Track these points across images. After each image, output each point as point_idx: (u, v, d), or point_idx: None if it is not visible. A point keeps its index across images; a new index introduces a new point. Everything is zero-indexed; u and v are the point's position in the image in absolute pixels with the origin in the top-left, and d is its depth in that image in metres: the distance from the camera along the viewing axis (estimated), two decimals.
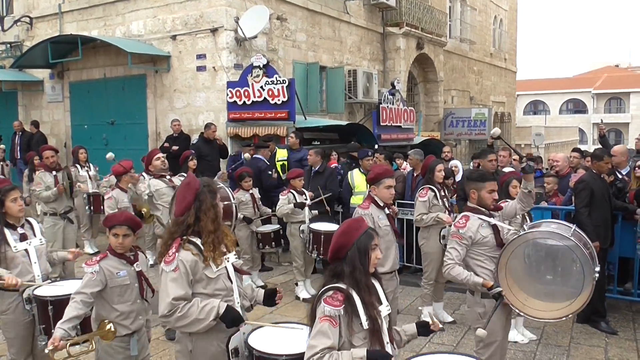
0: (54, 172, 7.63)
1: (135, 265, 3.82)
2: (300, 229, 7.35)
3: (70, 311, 3.53)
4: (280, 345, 3.14)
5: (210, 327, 3.16)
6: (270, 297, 3.54)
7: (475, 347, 4.45)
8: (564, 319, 4.22)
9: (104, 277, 3.68)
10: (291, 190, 7.47)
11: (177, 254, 3.17)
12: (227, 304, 3.21)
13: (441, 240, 6.33)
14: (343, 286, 2.86)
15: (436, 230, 6.42)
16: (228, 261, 3.36)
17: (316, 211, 7.56)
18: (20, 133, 13.68)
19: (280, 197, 7.50)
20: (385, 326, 2.94)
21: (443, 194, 6.57)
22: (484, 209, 4.30)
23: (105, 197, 7.16)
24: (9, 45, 15.10)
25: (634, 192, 6.82)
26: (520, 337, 6.08)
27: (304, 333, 3.15)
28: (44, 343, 4.00)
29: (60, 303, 3.94)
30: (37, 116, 14.82)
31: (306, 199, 7.53)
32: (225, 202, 6.03)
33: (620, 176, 7.21)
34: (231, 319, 3.18)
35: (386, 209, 4.98)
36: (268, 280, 8.29)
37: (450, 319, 6.76)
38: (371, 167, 7.57)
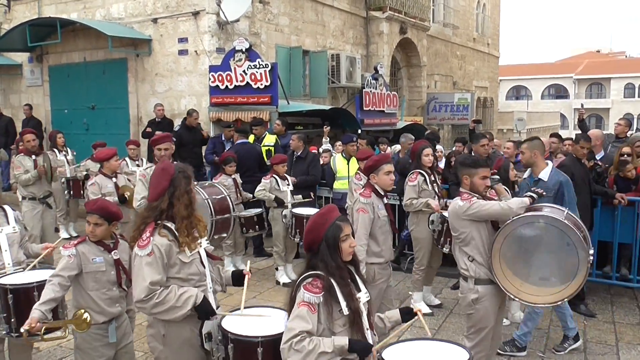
0: (34, 157, 7.53)
1: (113, 253, 3.78)
2: (283, 213, 7.34)
3: (48, 293, 3.51)
4: (255, 327, 3.13)
5: None
6: (239, 279, 3.54)
7: (465, 332, 4.49)
8: (559, 303, 4.25)
9: (79, 262, 3.65)
10: (274, 175, 7.45)
11: (151, 238, 3.15)
12: (204, 295, 3.21)
13: (430, 226, 6.30)
14: (322, 273, 2.88)
15: (425, 216, 6.36)
16: (201, 246, 3.36)
17: (300, 196, 7.53)
18: None
19: (262, 180, 7.48)
20: (365, 313, 2.96)
21: (433, 178, 6.48)
22: (476, 195, 4.29)
23: (88, 184, 7.07)
24: None
25: (613, 177, 6.91)
26: (506, 322, 6.08)
27: (279, 315, 3.19)
28: (4, 332, 3.96)
29: (20, 292, 3.91)
30: (16, 100, 14.62)
31: (288, 185, 7.52)
32: (226, 215, 5.98)
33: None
34: (205, 312, 3.20)
35: (384, 198, 4.87)
36: (253, 264, 8.27)
37: (437, 301, 6.79)
38: (357, 154, 7.55)
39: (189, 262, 3.24)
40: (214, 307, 3.30)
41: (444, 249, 6.26)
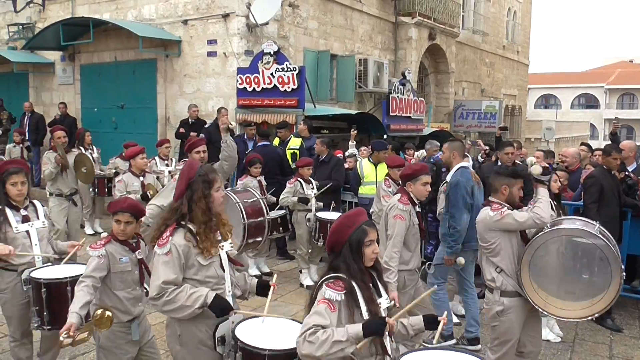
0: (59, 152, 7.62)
1: (137, 252, 3.82)
2: (307, 217, 7.33)
3: (83, 295, 3.48)
4: (267, 339, 3.09)
5: (198, 314, 3.16)
6: (264, 289, 3.52)
7: (489, 344, 4.46)
8: (590, 318, 4.19)
9: (108, 262, 3.68)
10: (298, 179, 7.44)
11: (170, 237, 3.18)
12: (216, 293, 3.20)
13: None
14: (344, 275, 2.85)
15: None
16: (222, 249, 3.36)
17: (321, 204, 7.51)
18: (30, 114, 13.73)
19: (287, 185, 7.48)
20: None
21: None
22: (508, 205, 4.24)
23: (115, 180, 7.17)
24: (21, 26, 15.11)
25: None
26: (552, 336, 5.96)
27: (296, 328, 3.13)
28: (36, 325, 4.04)
29: (54, 287, 3.98)
30: (48, 98, 14.88)
31: (313, 189, 7.51)
32: (259, 219, 5.96)
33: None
34: (219, 308, 3.17)
35: (417, 206, 4.84)
36: (273, 267, 8.30)
37: (463, 311, 6.51)
38: (388, 160, 7.47)
39: (207, 265, 3.25)
40: (237, 311, 3.29)
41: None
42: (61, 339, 3.24)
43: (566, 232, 4.09)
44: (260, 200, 6.30)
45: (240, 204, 6.00)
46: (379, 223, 6.64)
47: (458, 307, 6.69)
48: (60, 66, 14.70)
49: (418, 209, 4.86)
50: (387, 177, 6.78)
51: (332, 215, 7.16)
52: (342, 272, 2.86)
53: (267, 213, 6.46)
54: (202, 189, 3.27)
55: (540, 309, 4.14)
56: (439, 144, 9.35)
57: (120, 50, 13.27)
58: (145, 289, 3.84)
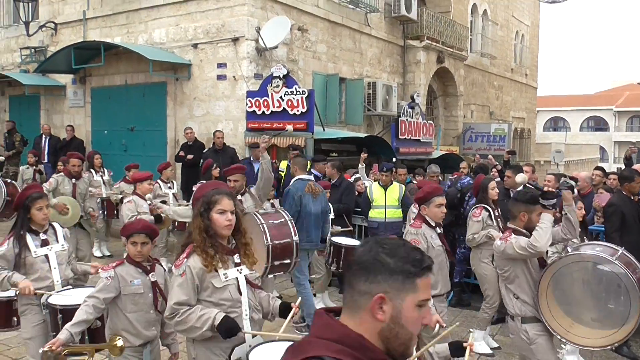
0: (74, 180, 7.65)
1: (150, 275, 3.81)
2: None
3: (81, 314, 3.54)
4: None
5: (211, 336, 3.18)
6: (286, 310, 3.50)
7: None
8: (609, 347, 4.13)
9: (117, 284, 3.68)
10: None
11: (186, 259, 3.21)
12: (225, 315, 3.18)
13: (493, 262, 5.90)
14: None
15: (489, 252, 6.05)
16: (240, 273, 3.33)
17: (339, 227, 7.45)
18: (49, 137, 13.82)
19: None
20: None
21: (497, 213, 6.22)
22: (526, 232, 4.17)
23: (125, 201, 7.14)
24: (33, 50, 15.28)
25: None
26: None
27: None
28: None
29: (69, 312, 3.94)
30: (59, 120, 14.98)
31: (330, 213, 7.42)
32: (285, 240, 5.91)
33: None
34: (225, 330, 3.14)
35: (437, 227, 4.77)
36: (282, 291, 8.22)
37: (495, 344, 6.36)
38: (418, 183, 7.44)
39: (222, 288, 3.23)
40: (245, 331, 3.26)
41: None
42: (40, 351, 3.32)
43: (581, 257, 4.02)
44: (289, 222, 6.18)
45: (264, 224, 5.84)
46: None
47: (489, 339, 6.43)
48: (71, 89, 14.83)
49: (439, 231, 4.77)
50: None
51: (346, 240, 7.09)
52: None
53: (296, 234, 6.39)
54: (199, 207, 3.29)
55: (560, 337, 4.06)
56: (439, 168, 9.43)
57: (131, 74, 13.37)
58: (159, 312, 3.84)
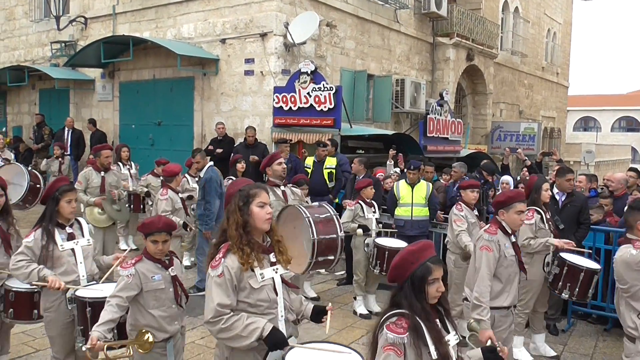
0: (102, 173, 7.60)
1: (170, 269, 3.78)
2: (365, 242, 7.10)
3: (106, 315, 3.52)
4: None
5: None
6: (319, 314, 3.38)
7: None
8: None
9: (139, 281, 3.64)
10: (359, 202, 7.23)
11: (223, 259, 3.06)
12: (273, 327, 3.05)
13: (545, 268, 5.79)
14: (407, 312, 2.68)
15: (541, 257, 5.79)
16: (276, 272, 3.21)
17: (355, 225, 7.32)
18: (71, 130, 13.95)
19: (347, 208, 7.26)
20: (454, 358, 2.76)
21: (549, 216, 5.91)
22: None
23: (162, 198, 7.05)
24: (63, 44, 15.47)
25: None
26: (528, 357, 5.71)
27: (350, 357, 2.97)
28: (80, 345, 3.97)
29: (98, 305, 3.90)
30: (87, 114, 15.13)
31: (374, 212, 7.29)
32: (331, 236, 5.77)
33: None
34: (274, 343, 3.02)
35: (512, 236, 4.43)
36: (320, 292, 8.08)
37: (552, 352, 6.02)
38: (462, 183, 7.27)
39: (259, 288, 3.10)
40: (293, 344, 3.14)
41: (563, 294, 5.66)
42: (83, 349, 3.36)
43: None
44: (335, 217, 6.00)
45: (310, 218, 5.67)
46: (455, 253, 6.50)
47: (546, 348, 6.11)
48: (100, 83, 14.96)
49: (514, 239, 4.44)
50: (460, 202, 6.58)
51: (391, 242, 6.95)
52: (405, 309, 2.71)
53: (341, 230, 6.21)
54: (236, 202, 3.15)
55: None
56: (465, 167, 9.26)
57: (159, 68, 13.42)
58: (181, 306, 3.80)
